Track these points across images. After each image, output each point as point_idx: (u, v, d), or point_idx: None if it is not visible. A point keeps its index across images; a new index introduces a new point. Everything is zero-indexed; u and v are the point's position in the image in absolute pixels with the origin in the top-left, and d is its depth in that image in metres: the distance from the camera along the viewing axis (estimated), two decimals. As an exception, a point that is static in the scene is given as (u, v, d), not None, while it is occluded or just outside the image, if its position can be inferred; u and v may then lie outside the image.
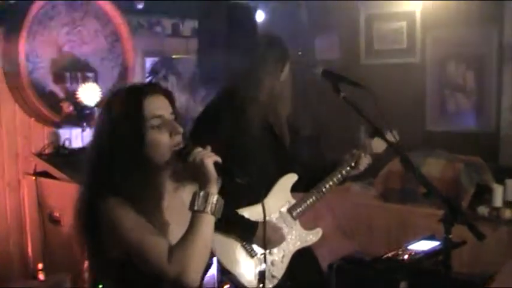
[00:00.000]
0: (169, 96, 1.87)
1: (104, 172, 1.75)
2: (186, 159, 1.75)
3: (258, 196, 1.96)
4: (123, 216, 1.71)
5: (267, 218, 2.66)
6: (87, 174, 1.81)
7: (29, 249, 4.22)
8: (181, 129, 1.81)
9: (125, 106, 1.77)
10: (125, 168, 1.73)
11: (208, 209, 1.71)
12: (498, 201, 3.89)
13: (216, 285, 3.49)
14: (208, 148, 1.78)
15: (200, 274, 1.73)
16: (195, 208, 1.72)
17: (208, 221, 1.73)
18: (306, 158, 4.69)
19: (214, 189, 1.73)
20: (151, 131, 1.76)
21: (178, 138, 1.80)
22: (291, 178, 2.77)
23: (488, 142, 4.85)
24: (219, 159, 1.75)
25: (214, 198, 1.72)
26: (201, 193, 1.72)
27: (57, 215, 3.91)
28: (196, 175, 1.75)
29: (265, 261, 1.99)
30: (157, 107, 1.79)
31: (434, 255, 2.93)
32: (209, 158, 1.72)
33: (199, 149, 1.76)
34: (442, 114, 5.23)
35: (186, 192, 1.88)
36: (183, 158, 1.77)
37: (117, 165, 1.73)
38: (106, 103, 1.86)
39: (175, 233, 1.77)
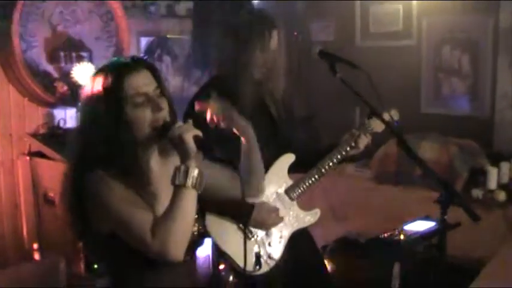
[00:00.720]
0: (153, 70, 1.85)
1: (89, 148, 1.76)
2: (167, 133, 1.75)
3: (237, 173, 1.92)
4: (108, 190, 1.71)
5: (264, 199, 2.66)
6: (73, 150, 1.82)
7: (24, 230, 4.21)
8: (163, 106, 1.80)
9: (106, 84, 1.76)
10: (108, 144, 1.73)
11: (189, 183, 1.71)
12: (493, 184, 3.90)
13: (211, 265, 3.50)
14: (190, 122, 1.78)
15: (183, 249, 1.72)
16: (176, 182, 1.72)
17: (189, 195, 1.72)
18: (302, 138, 4.69)
19: (194, 164, 1.73)
20: (134, 108, 1.76)
21: (162, 114, 1.79)
22: (288, 158, 2.76)
23: (482, 126, 4.86)
24: (199, 133, 1.75)
25: (195, 172, 1.72)
26: (182, 167, 1.72)
27: (52, 195, 3.90)
28: (177, 150, 1.76)
29: (245, 243, 1.98)
30: (140, 84, 1.78)
31: (429, 237, 2.95)
32: (188, 133, 1.72)
33: (180, 124, 1.77)
34: (437, 97, 5.23)
35: (173, 164, 1.86)
36: (164, 133, 1.77)
37: (101, 142, 1.74)
38: (90, 79, 1.85)
39: (164, 204, 1.76)
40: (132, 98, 1.76)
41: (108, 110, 1.74)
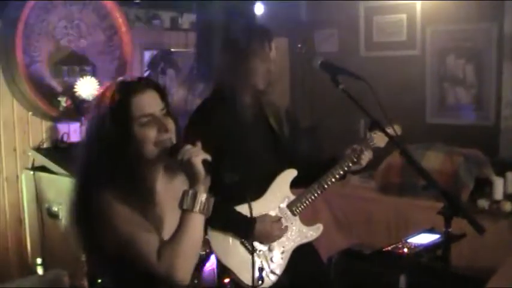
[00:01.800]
0: (160, 91, 1.85)
1: (95, 167, 1.75)
2: (176, 156, 1.74)
3: (244, 197, 1.92)
4: (115, 211, 1.70)
5: (266, 213, 2.65)
6: (80, 168, 1.81)
7: (28, 244, 4.21)
8: (169, 126, 1.80)
9: (112, 105, 1.76)
10: (114, 164, 1.73)
11: (197, 208, 1.71)
12: (498, 194, 3.87)
13: (215, 279, 3.48)
14: (199, 145, 1.77)
15: (190, 272, 1.72)
16: (184, 207, 1.72)
17: (196, 220, 1.72)
18: (305, 150, 4.67)
19: (202, 188, 1.72)
20: (140, 128, 1.76)
21: (167, 135, 1.79)
22: (290, 173, 2.75)
23: (488, 135, 4.84)
24: (207, 157, 1.74)
25: (202, 197, 1.72)
26: (190, 192, 1.72)
27: (56, 209, 3.90)
28: (185, 173, 1.75)
29: (253, 258, 1.96)
30: (146, 104, 1.78)
31: (434, 249, 2.92)
32: (197, 157, 1.71)
33: (188, 147, 1.75)
34: (442, 107, 5.22)
35: (180, 185, 1.86)
36: (173, 156, 1.76)
37: (106, 161, 1.73)
38: (96, 99, 1.86)
39: (171, 225, 1.76)
40: (138, 118, 1.76)
41: (114, 129, 1.74)
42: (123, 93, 1.78)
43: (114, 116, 1.74)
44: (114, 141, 1.73)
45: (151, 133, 1.77)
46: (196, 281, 1.88)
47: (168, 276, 1.67)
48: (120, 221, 1.70)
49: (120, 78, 1.91)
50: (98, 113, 1.79)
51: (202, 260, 1.90)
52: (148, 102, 1.79)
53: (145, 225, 1.72)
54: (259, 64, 2.61)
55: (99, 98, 1.83)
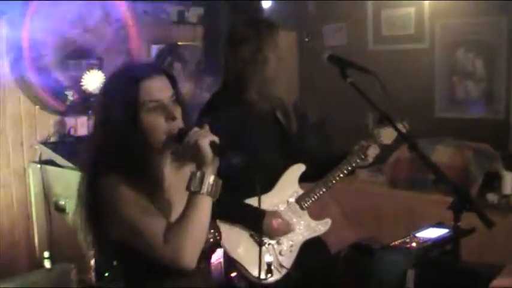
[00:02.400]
0: (170, 77, 1.82)
1: (103, 153, 1.74)
2: (183, 140, 1.72)
3: (253, 190, 1.86)
4: (121, 195, 1.68)
5: (275, 208, 2.66)
6: (88, 154, 1.79)
7: (35, 237, 4.22)
8: (177, 114, 1.76)
9: (120, 89, 1.74)
10: (120, 149, 1.71)
11: (205, 190, 1.68)
12: (508, 189, 3.85)
13: (223, 272, 3.47)
14: (206, 127, 1.75)
15: (196, 256, 1.69)
16: (191, 189, 1.69)
17: (204, 202, 1.69)
18: (313, 144, 4.66)
19: (210, 170, 1.70)
20: (147, 114, 1.73)
21: (175, 123, 1.76)
22: (299, 168, 2.76)
23: (497, 129, 4.81)
24: (215, 139, 1.71)
25: (210, 178, 1.69)
26: (197, 174, 1.69)
27: (63, 202, 3.90)
28: (192, 156, 1.72)
29: (260, 251, 1.95)
30: (155, 90, 1.75)
31: (443, 243, 2.90)
32: (204, 138, 1.69)
33: (196, 129, 1.73)
34: (451, 101, 5.19)
35: (188, 171, 1.82)
36: (180, 140, 1.73)
37: (113, 146, 1.72)
38: (104, 83, 1.84)
39: (179, 212, 1.73)
40: (146, 103, 1.73)
41: (122, 114, 1.72)
42: (132, 77, 1.75)
43: (122, 100, 1.72)
44: (121, 127, 1.71)
45: (159, 121, 1.74)
46: (202, 265, 1.84)
47: (175, 260, 1.64)
48: (127, 206, 1.68)
49: (129, 62, 1.88)
50: (105, 97, 1.78)
51: (210, 245, 1.86)
52: (158, 88, 1.76)
53: (152, 210, 1.70)
54: (270, 53, 2.62)
55: (107, 82, 1.81)
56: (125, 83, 1.74)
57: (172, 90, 1.79)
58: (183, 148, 1.75)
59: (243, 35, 2.65)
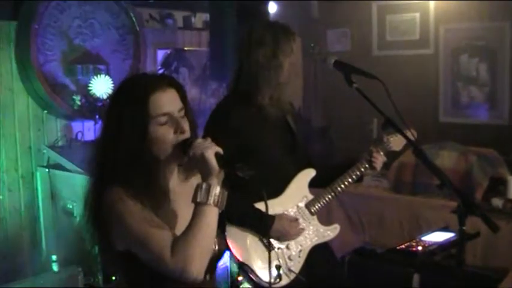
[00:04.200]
0: (180, 90, 1.82)
1: (110, 164, 1.74)
2: (188, 152, 1.73)
3: (258, 191, 1.87)
4: (127, 208, 1.68)
5: (285, 212, 2.66)
6: (95, 164, 1.79)
7: (43, 241, 4.24)
8: (186, 128, 1.77)
9: (130, 102, 1.74)
10: (128, 162, 1.71)
11: (211, 201, 1.68)
12: (513, 194, 3.85)
13: (229, 277, 3.49)
14: (209, 139, 1.74)
15: (204, 267, 1.68)
16: (198, 200, 1.69)
17: (210, 213, 1.69)
18: (317, 149, 4.66)
19: (216, 181, 1.70)
20: (157, 127, 1.73)
21: (183, 136, 1.76)
22: (309, 173, 2.76)
23: (501, 134, 4.82)
24: (220, 150, 1.71)
25: (216, 190, 1.69)
26: (203, 185, 1.69)
27: (70, 206, 3.93)
28: (198, 167, 1.73)
29: (269, 256, 1.95)
30: (165, 103, 1.75)
31: (448, 247, 2.92)
32: (209, 150, 1.69)
33: (200, 141, 1.73)
34: (455, 106, 5.20)
35: (194, 183, 1.81)
36: (185, 152, 1.74)
37: (121, 158, 1.71)
38: (113, 94, 1.83)
39: (185, 224, 1.74)
40: (156, 117, 1.73)
41: (132, 129, 1.71)
42: (143, 90, 1.74)
43: (131, 113, 1.72)
44: (129, 139, 1.71)
45: (168, 133, 1.74)
46: (209, 276, 1.85)
47: (182, 271, 1.63)
48: (132, 219, 1.67)
49: (141, 73, 1.88)
50: (114, 108, 1.77)
51: (216, 256, 1.87)
52: (168, 101, 1.76)
53: (158, 224, 1.70)
54: (285, 59, 2.61)
55: (117, 93, 1.81)
56: (135, 96, 1.74)
57: (181, 104, 1.80)
58: (188, 159, 1.75)
59: (260, 39, 2.63)
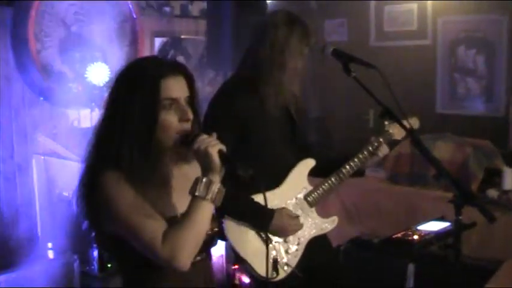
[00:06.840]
0: (190, 80, 1.80)
1: (110, 145, 1.72)
2: (191, 145, 1.72)
3: (258, 190, 1.88)
4: (121, 192, 1.68)
5: (284, 205, 2.62)
6: (93, 144, 1.78)
7: (39, 229, 4.23)
8: (190, 116, 1.76)
9: (142, 84, 1.72)
10: (131, 144, 1.70)
11: (209, 196, 1.69)
12: (508, 185, 3.88)
13: (224, 265, 3.50)
14: (214, 135, 1.75)
15: (191, 259, 1.70)
16: (196, 193, 1.69)
17: (206, 208, 1.71)
18: (313, 140, 4.65)
19: (216, 178, 1.71)
20: (162, 111, 1.72)
21: (187, 125, 1.75)
22: (308, 163, 2.72)
23: (498, 126, 4.83)
24: (223, 148, 1.72)
25: (216, 186, 1.70)
26: (204, 179, 1.70)
27: (66, 194, 3.92)
28: (200, 162, 1.73)
29: (267, 250, 1.93)
30: (174, 88, 1.74)
31: (444, 237, 2.92)
32: (213, 147, 1.69)
33: (205, 136, 1.73)
34: (452, 98, 5.20)
35: (192, 173, 1.82)
36: (188, 144, 1.74)
37: (124, 140, 1.70)
38: (123, 73, 1.79)
39: (179, 211, 1.75)
40: (163, 100, 1.72)
41: (141, 111, 1.70)
42: (156, 73, 1.73)
43: (142, 96, 1.70)
44: (137, 120, 1.70)
45: (173, 119, 1.73)
46: (203, 257, 1.86)
47: (170, 261, 1.65)
48: (125, 202, 1.67)
49: (154, 56, 1.85)
50: (123, 88, 1.75)
51: (208, 238, 1.86)
52: (177, 87, 1.75)
53: (152, 211, 1.70)
54: (293, 63, 2.57)
55: (127, 72, 1.78)
56: (147, 80, 1.72)
57: (188, 92, 1.79)
58: (191, 153, 1.75)
59: (275, 29, 2.56)
